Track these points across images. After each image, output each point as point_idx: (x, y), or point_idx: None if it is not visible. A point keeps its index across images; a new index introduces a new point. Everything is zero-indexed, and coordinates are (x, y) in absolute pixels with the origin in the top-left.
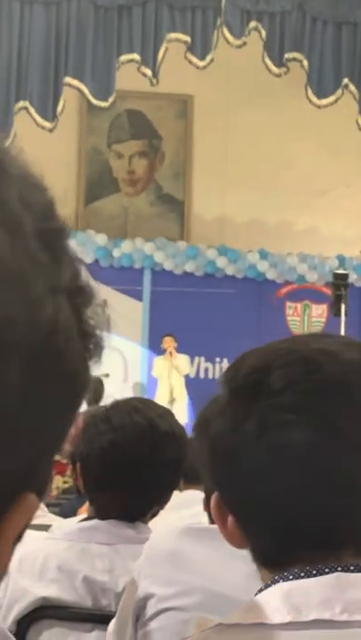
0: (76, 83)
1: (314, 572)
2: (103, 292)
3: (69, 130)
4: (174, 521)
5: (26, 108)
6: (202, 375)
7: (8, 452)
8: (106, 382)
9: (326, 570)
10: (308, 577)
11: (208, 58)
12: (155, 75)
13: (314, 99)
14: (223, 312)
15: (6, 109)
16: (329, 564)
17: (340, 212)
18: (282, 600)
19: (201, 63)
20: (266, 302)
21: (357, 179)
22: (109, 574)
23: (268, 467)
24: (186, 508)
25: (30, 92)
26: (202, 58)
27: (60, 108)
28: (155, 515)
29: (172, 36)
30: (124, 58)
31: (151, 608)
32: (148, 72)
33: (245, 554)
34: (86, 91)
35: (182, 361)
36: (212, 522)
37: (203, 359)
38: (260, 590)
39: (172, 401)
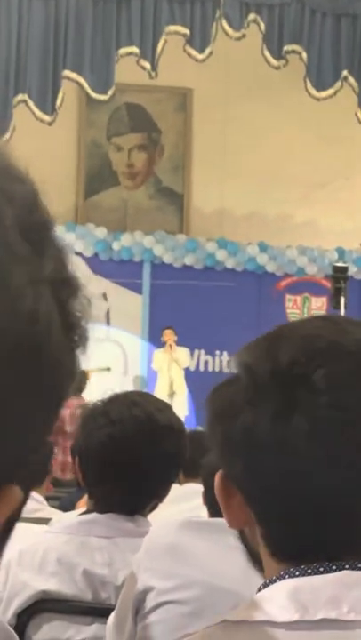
0: (75, 76)
1: (321, 569)
2: (103, 285)
3: (69, 123)
4: (174, 514)
5: (25, 102)
6: (202, 368)
7: None
8: (106, 375)
9: (334, 567)
10: (316, 574)
11: (207, 50)
12: (154, 68)
13: (313, 91)
14: (223, 305)
15: (5, 103)
16: (341, 561)
17: (339, 204)
18: (288, 597)
19: (200, 56)
20: (265, 295)
21: (357, 171)
22: (109, 567)
23: (312, 464)
24: (185, 501)
25: (29, 85)
26: (201, 50)
27: (59, 101)
28: (154, 508)
29: (171, 28)
30: (123, 51)
31: (151, 601)
32: (148, 65)
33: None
34: (85, 84)
35: (182, 354)
36: (211, 515)
37: (202, 352)
38: (265, 585)
39: (171, 394)
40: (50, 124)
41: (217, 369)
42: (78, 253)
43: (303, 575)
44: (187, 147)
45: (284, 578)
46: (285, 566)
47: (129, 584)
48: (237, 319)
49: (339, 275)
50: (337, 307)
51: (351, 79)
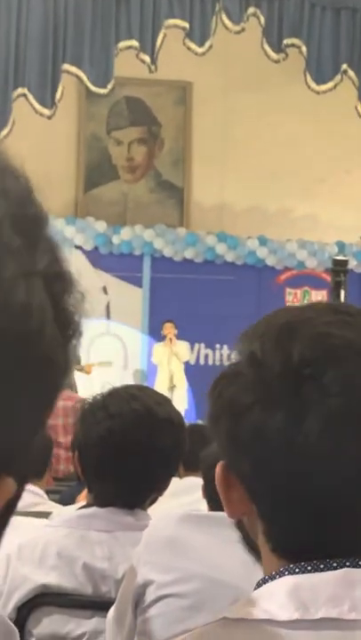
0: (74, 69)
1: (321, 565)
2: (103, 278)
3: (68, 117)
4: (174, 507)
5: (24, 95)
6: (202, 361)
7: None
8: (106, 369)
9: (335, 564)
10: (316, 571)
11: (207, 44)
12: (153, 61)
13: (313, 85)
14: (223, 299)
15: (5, 96)
16: (342, 559)
17: (339, 198)
18: (288, 595)
19: (200, 49)
20: (265, 288)
21: (357, 165)
22: (109, 561)
23: (323, 465)
24: (185, 494)
25: (29, 78)
26: (200, 44)
27: (58, 94)
28: (154, 501)
29: (171, 22)
30: (122, 44)
31: (150, 595)
32: (147, 59)
33: None
34: (85, 77)
35: (182, 348)
36: (211, 508)
37: (202, 345)
38: (264, 581)
39: (172, 387)
40: (49, 117)
41: (217, 362)
42: (78, 247)
43: (303, 572)
44: (186, 140)
45: (283, 574)
46: (285, 562)
47: (129, 578)
48: (237, 313)
49: (339, 268)
50: (337, 300)
51: (351, 72)
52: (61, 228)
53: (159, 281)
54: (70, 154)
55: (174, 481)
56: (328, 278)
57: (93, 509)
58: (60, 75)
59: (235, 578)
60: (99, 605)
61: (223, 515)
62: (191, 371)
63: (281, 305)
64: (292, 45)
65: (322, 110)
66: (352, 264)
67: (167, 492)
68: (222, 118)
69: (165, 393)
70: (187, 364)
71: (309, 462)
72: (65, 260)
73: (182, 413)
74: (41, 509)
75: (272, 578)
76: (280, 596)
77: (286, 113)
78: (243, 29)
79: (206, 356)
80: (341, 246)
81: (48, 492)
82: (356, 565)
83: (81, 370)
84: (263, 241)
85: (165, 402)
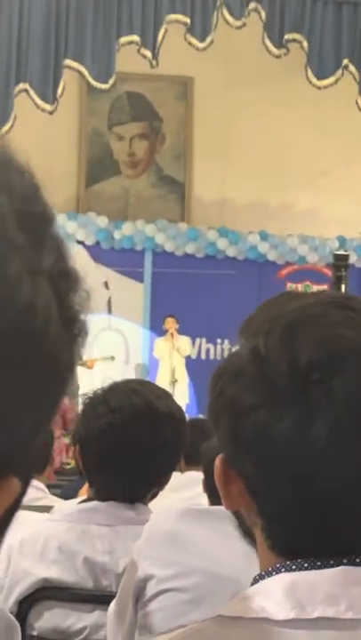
0: (76, 65)
1: (318, 563)
2: (104, 273)
3: (70, 112)
4: (175, 502)
5: (26, 91)
6: (203, 356)
7: None
8: (108, 364)
9: (331, 562)
10: (313, 568)
11: (208, 39)
12: (155, 56)
13: (314, 80)
14: (224, 293)
15: (6, 92)
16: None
17: (340, 192)
18: (284, 593)
19: (201, 45)
20: (267, 283)
21: (358, 159)
22: (110, 555)
23: (328, 467)
24: (186, 489)
25: (30, 74)
26: (202, 39)
27: (60, 90)
28: (155, 496)
29: (172, 17)
30: (123, 40)
31: (151, 589)
32: (148, 54)
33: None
34: (86, 73)
35: (184, 342)
36: (212, 503)
37: (204, 340)
38: (261, 577)
39: (173, 382)
40: (51, 113)
41: (218, 357)
42: (80, 242)
43: (300, 569)
44: (188, 135)
45: (280, 571)
46: (283, 560)
47: (129, 572)
48: (239, 308)
49: (340, 263)
50: None
51: (352, 67)
52: (63, 224)
53: (160, 276)
54: (72, 149)
55: (175, 475)
56: (329, 273)
57: (94, 503)
58: (61, 70)
59: (235, 572)
60: (100, 599)
61: (224, 509)
62: (192, 365)
63: None
64: (294, 40)
65: (323, 105)
66: (353, 259)
67: (168, 487)
68: (223, 113)
69: (167, 387)
70: (188, 358)
71: (315, 464)
72: (71, 257)
73: (183, 408)
74: (42, 504)
75: (268, 574)
76: (276, 594)
77: (287, 108)
78: (244, 24)
79: (208, 351)
80: (342, 241)
81: (49, 487)
82: (353, 563)
83: (83, 365)
84: (264, 236)
85: (166, 396)
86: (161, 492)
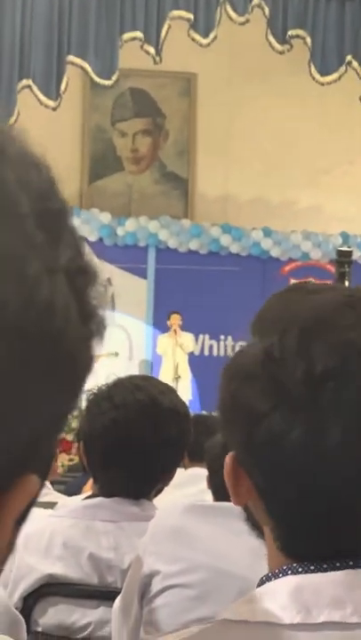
0: (79, 61)
1: (325, 565)
2: (107, 270)
3: (73, 108)
4: (179, 498)
5: (29, 87)
6: (206, 353)
7: (5, 435)
8: (111, 360)
9: (338, 564)
10: (319, 571)
11: (211, 35)
12: (158, 53)
13: (317, 76)
14: (227, 290)
15: (9, 88)
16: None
17: (343, 189)
18: (290, 596)
19: (204, 41)
20: (270, 280)
21: None
22: (115, 551)
23: (341, 471)
24: (190, 485)
25: (33, 70)
26: (205, 35)
27: (63, 86)
28: (159, 492)
29: (175, 13)
30: (127, 36)
31: (156, 585)
32: (152, 50)
33: (248, 530)
34: (89, 69)
35: (187, 339)
36: (216, 499)
37: (207, 337)
38: (268, 578)
39: (176, 378)
40: (54, 109)
41: (222, 353)
42: (83, 238)
43: (306, 572)
44: (191, 131)
45: (286, 573)
46: (291, 561)
47: (135, 568)
48: (242, 304)
49: (343, 259)
50: None
51: (355, 64)
52: None
53: (164, 272)
54: (75, 145)
55: (179, 472)
56: (332, 269)
57: (99, 500)
58: (64, 66)
59: (240, 568)
60: (105, 595)
61: (229, 505)
62: (195, 361)
63: None
64: (297, 36)
65: (326, 101)
66: (356, 255)
67: (172, 483)
68: (227, 109)
69: (170, 383)
70: (191, 354)
71: (326, 468)
72: (86, 251)
73: (187, 404)
74: (47, 499)
75: (275, 576)
76: (282, 597)
77: (290, 104)
78: (247, 20)
79: (211, 347)
80: (346, 237)
81: (53, 483)
82: (359, 566)
83: None
84: (268, 232)
85: (170, 391)
86: (165, 489)
